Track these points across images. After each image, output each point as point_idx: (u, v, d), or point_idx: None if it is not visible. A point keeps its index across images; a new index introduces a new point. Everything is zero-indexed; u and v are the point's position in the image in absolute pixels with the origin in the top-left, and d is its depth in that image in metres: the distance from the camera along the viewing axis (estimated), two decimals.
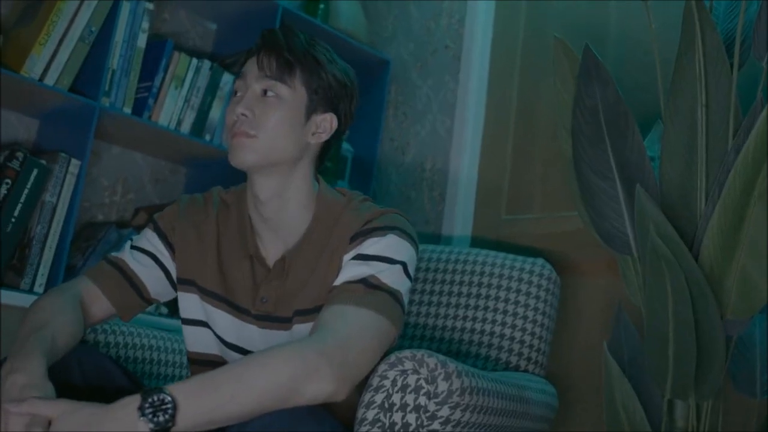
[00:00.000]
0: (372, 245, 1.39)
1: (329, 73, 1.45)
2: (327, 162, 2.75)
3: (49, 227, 2.07)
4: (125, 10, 2.21)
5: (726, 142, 1.54)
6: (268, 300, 1.44)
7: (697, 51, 1.54)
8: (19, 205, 2.01)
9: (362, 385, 1.34)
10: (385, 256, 1.38)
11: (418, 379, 1.32)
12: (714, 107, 1.54)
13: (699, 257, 1.53)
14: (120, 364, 1.50)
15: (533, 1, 2.55)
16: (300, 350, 1.21)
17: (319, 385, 1.20)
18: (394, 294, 1.36)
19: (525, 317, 1.93)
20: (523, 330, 1.92)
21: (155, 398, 1.11)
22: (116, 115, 2.20)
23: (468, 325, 1.95)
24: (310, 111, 1.44)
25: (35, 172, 2.04)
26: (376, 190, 2.79)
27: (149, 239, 1.53)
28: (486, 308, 1.95)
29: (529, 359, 1.91)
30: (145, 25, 2.27)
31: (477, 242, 2.51)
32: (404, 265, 1.40)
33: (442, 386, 1.32)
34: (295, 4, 2.70)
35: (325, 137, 1.48)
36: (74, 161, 2.11)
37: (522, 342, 1.91)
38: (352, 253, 1.40)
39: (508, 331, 1.92)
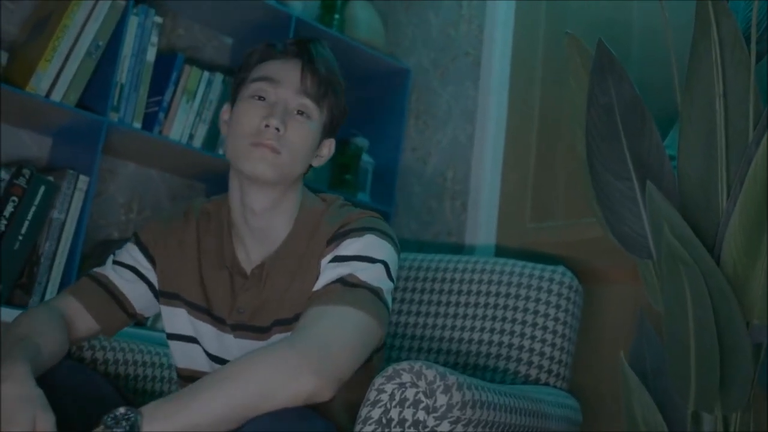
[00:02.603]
0: (349, 246, 1.36)
1: (344, 99, 1.46)
2: (346, 175, 2.73)
3: (58, 244, 2.04)
4: (133, 24, 2.19)
5: (746, 134, 1.44)
6: (244, 311, 1.41)
7: (713, 39, 1.44)
8: (27, 223, 1.99)
9: (357, 393, 1.29)
10: (364, 256, 1.35)
11: (416, 393, 1.25)
12: (732, 98, 1.44)
13: (721, 258, 1.43)
14: (112, 382, 1.47)
15: (553, 2, 2.47)
16: (274, 352, 1.18)
17: (297, 385, 1.16)
18: (374, 291, 1.31)
19: (545, 328, 1.84)
20: (543, 341, 1.83)
21: (118, 413, 1.09)
22: (125, 129, 2.17)
23: (485, 337, 1.86)
24: (323, 135, 1.44)
25: (42, 189, 2.01)
26: (398, 202, 2.72)
27: (130, 253, 1.51)
28: (504, 319, 1.86)
29: (549, 372, 1.81)
30: (154, 39, 2.24)
31: (501, 252, 2.43)
32: (385, 264, 1.36)
33: (441, 400, 1.24)
34: (311, 15, 2.66)
35: (322, 162, 1.48)
36: (83, 177, 2.09)
37: (542, 354, 1.82)
38: (329, 257, 1.36)
39: (526, 343, 1.83)
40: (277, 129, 1.34)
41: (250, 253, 1.43)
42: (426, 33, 2.80)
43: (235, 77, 1.47)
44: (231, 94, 1.47)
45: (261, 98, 1.38)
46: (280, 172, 1.36)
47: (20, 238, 1.98)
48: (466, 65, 2.64)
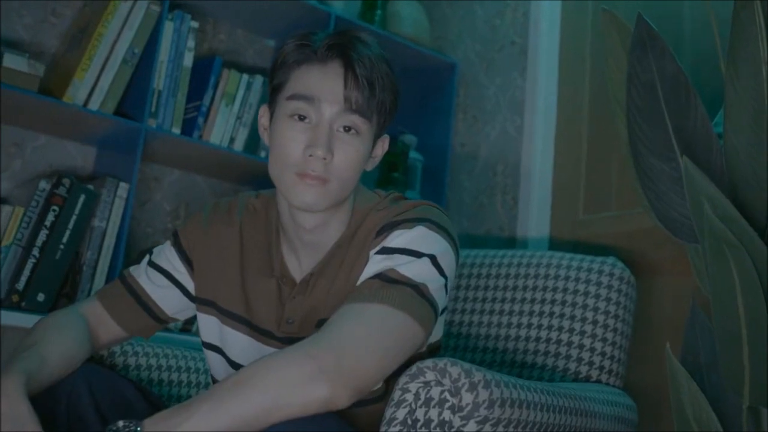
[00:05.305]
0: (397, 237, 1.24)
1: (396, 93, 1.30)
2: (394, 173, 2.67)
3: (99, 252, 2.05)
4: (168, 29, 2.18)
5: None
6: (294, 321, 1.32)
7: (756, 3, 1.33)
8: (68, 232, 2.00)
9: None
10: (410, 249, 1.22)
11: (441, 392, 1.18)
12: None
13: None
14: (141, 386, 1.42)
15: None
16: (285, 357, 1.09)
17: (308, 393, 1.07)
18: (417, 287, 1.18)
19: (595, 322, 1.74)
20: (593, 336, 1.73)
21: (119, 425, 1.05)
22: (164, 135, 2.16)
23: (533, 333, 1.78)
24: (376, 137, 1.31)
25: (82, 197, 2.02)
26: (449, 199, 2.65)
27: (167, 255, 1.44)
28: (551, 314, 1.77)
29: (601, 368, 1.72)
30: (191, 43, 2.23)
31: (554, 245, 2.34)
32: (433, 257, 1.22)
33: (467, 398, 1.17)
34: (352, 13, 2.62)
35: (376, 163, 1.35)
36: (123, 185, 2.09)
37: (592, 350, 1.73)
38: (377, 248, 1.25)
39: (576, 339, 1.74)
40: (325, 159, 1.22)
41: (302, 263, 1.34)
42: (471, 25, 2.72)
43: (271, 76, 1.32)
44: (269, 95, 1.35)
45: (301, 117, 1.25)
46: (331, 201, 1.26)
47: (62, 247, 1.99)
48: (513, 55, 2.56)
